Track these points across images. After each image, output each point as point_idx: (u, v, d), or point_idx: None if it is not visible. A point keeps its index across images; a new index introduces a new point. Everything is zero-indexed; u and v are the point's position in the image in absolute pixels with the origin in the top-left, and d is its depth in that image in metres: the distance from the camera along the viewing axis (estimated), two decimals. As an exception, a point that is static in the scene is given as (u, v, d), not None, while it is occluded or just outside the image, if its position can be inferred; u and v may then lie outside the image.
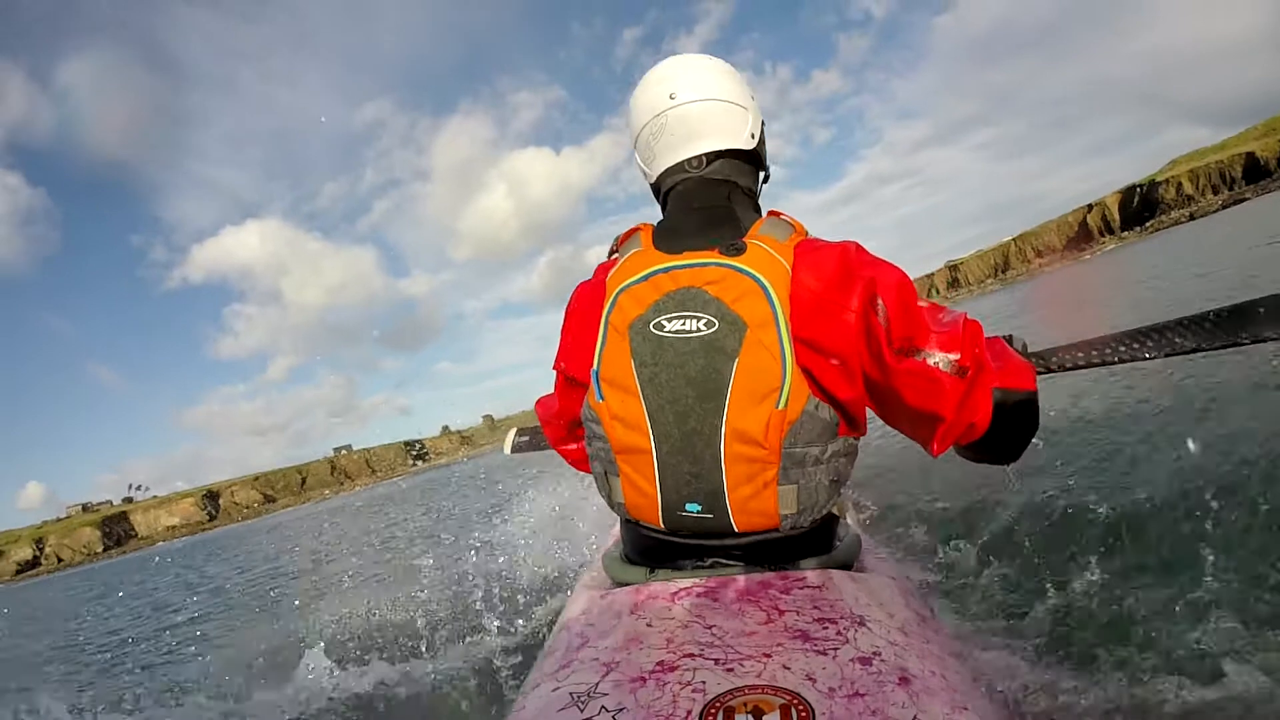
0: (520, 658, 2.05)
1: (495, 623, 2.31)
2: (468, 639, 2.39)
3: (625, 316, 0.92)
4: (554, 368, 1.11)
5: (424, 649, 2.37)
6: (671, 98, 1.00)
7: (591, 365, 0.96)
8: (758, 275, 0.85)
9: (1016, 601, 1.19)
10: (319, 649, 2.39)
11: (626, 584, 0.98)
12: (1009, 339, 1.04)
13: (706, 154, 1.01)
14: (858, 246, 0.89)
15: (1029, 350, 1.11)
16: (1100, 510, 1.51)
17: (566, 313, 1.05)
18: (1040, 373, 1.05)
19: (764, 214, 0.98)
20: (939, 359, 0.82)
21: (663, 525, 0.93)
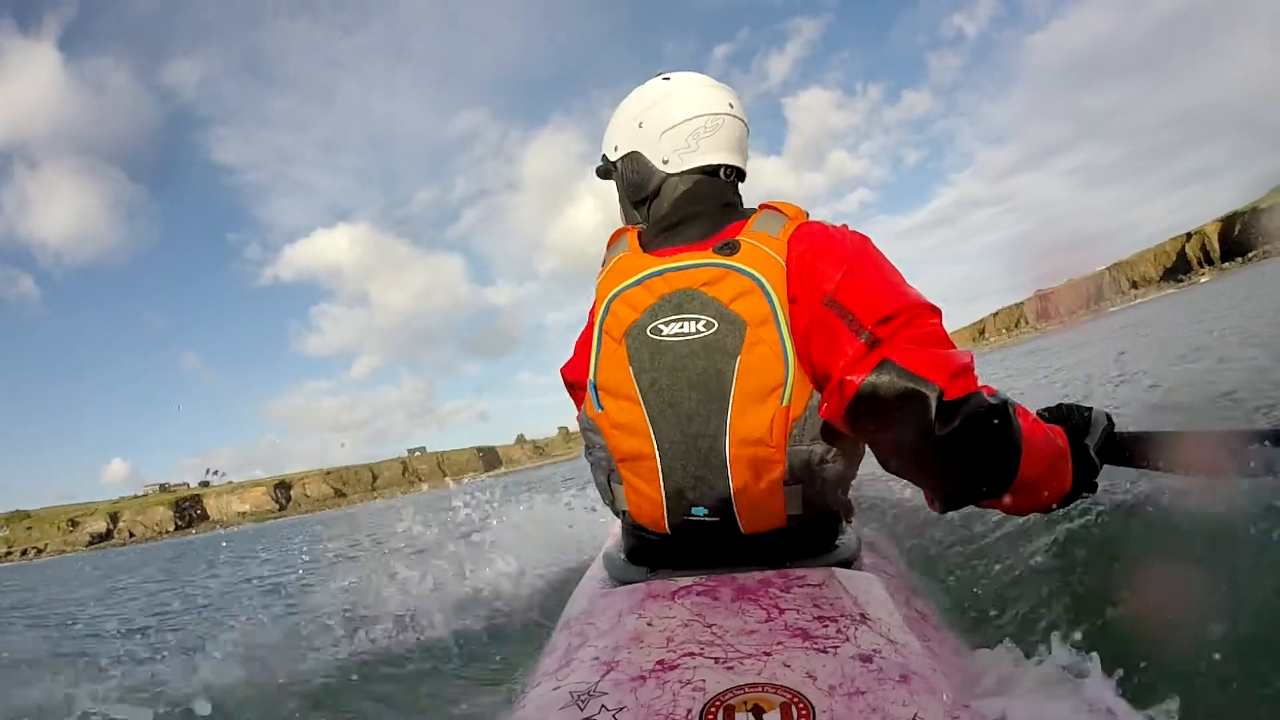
0: (521, 656, 2.05)
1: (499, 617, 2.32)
2: (468, 640, 2.39)
3: (620, 323, 0.92)
4: (565, 376, 1.10)
5: (422, 646, 2.37)
6: (731, 106, 1.04)
7: (588, 374, 0.95)
8: (754, 273, 0.85)
9: (1018, 600, 1.19)
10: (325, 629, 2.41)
11: (627, 583, 0.98)
12: (1083, 415, 0.86)
13: (736, 167, 1.05)
14: (844, 229, 0.90)
15: (1114, 431, 0.87)
16: (1106, 506, 1.51)
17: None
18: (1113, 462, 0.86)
19: (757, 208, 0.98)
20: (849, 315, 0.79)
21: (668, 530, 0.93)
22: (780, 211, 0.93)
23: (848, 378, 0.76)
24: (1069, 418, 0.87)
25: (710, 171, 1.03)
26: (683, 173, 1.03)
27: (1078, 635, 0.70)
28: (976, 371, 0.76)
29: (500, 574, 2.54)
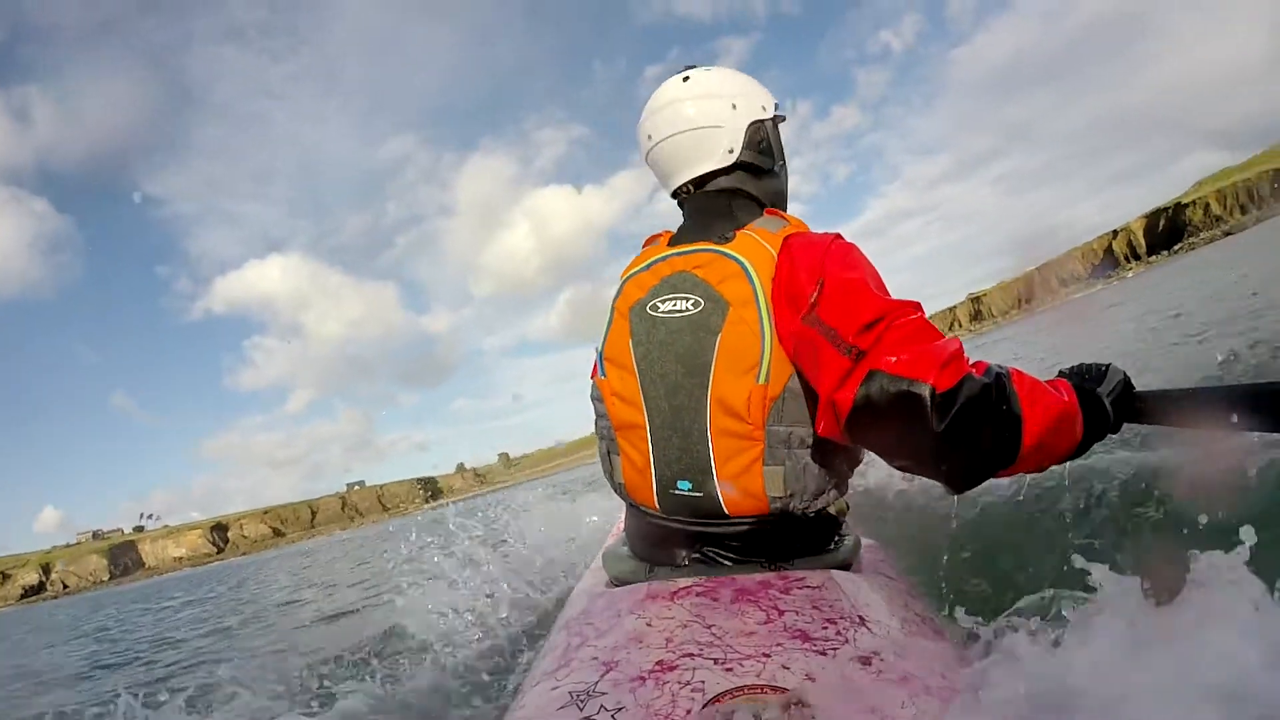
0: (521, 655, 2.05)
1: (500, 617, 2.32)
2: (468, 638, 2.39)
3: (628, 300, 1.01)
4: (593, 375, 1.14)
5: (421, 647, 2.37)
6: (649, 138, 1.09)
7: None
8: (741, 258, 0.92)
9: (1019, 601, 1.19)
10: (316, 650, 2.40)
11: (626, 583, 0.98)
12: (1098, 369, 0.87)
13: (692, 180, 1.07)
14: (837, 235, 0.93)
15: (1131, 390, 0.87)
16: (1112, 505, 1.50)
17: None
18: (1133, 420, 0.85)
19: (763, 212, 1.04)
20: (830, 331, 0.79)
21: (656, 505, 0.97)
22: (783, 218, 1.00)
23: (838, 397, 0.76)
24: (1082, 373, 0.88)
25: (690, 186, 1.09)
26: (674, 193, 1.12)
27: (1080, 633, 0.69)
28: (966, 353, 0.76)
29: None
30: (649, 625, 0.77)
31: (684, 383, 0.92)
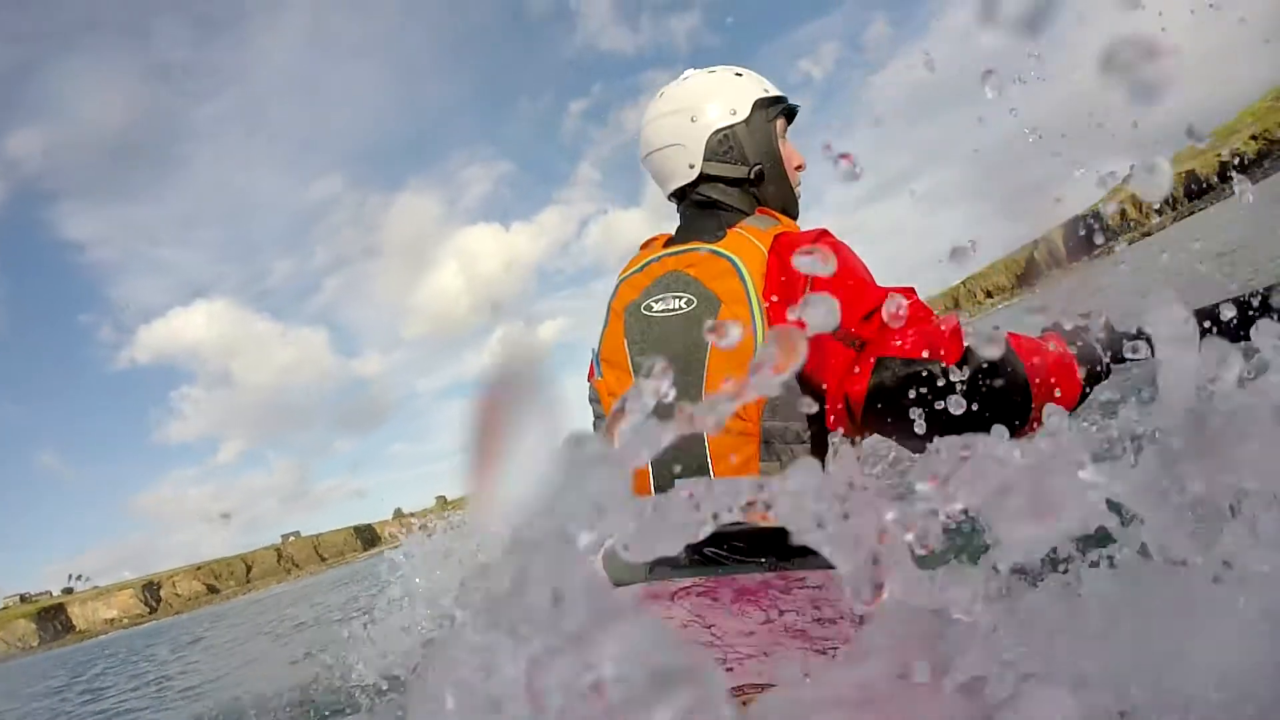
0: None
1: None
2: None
3: (622, 301, 1.02)
4: (589, 378, 1.16)
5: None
6: (640, 154, 1.14)
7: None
8: (732, 256, 0.93)
9: (1020, 600, 1.16)
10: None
11: (625, 583, 0.99)
12: (1084, 319, 0.85)
13: (673, 192, 1.11)
14: (823, 231, 0.94)
15: (1115, 334, 0.87)
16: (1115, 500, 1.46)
17: None
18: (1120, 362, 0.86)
19: (755, 211, 1.06)
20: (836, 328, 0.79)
21: None
22: (774, 217, 1.01)
23: (850, 390, 0.77)
24: (1064, 325, 0.90)
25: (677, 197, 1.12)
26: (669, 198, 1.14)
27: (1083, 632, 0.68)
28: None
29: None
30: (650, 625, 0.77)
31: (679, 381, 0.92)
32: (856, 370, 0.77)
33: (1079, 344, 0.84)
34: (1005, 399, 0.73)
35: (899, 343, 0.74)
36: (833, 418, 0.83)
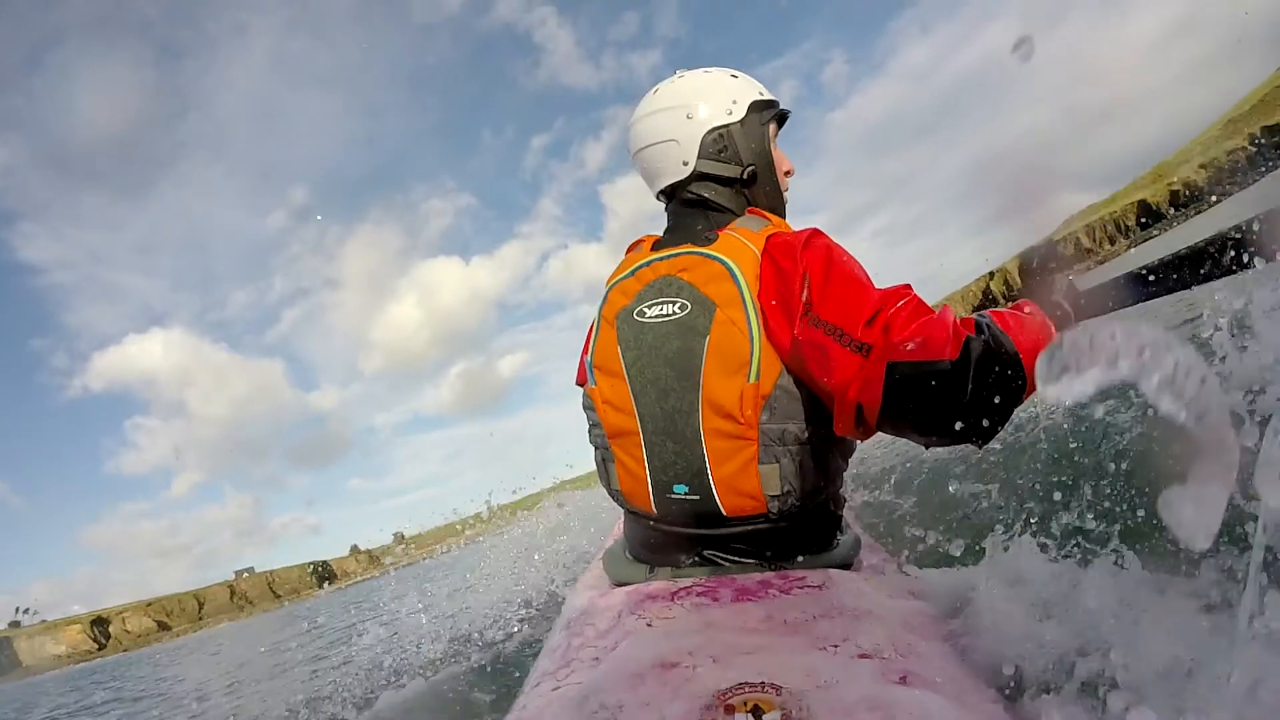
0: (521, 656, 2.05)
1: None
2: (467, 637, 2.39)
3: (614, 307, 1.01)
4: (576, 383, 1.15)
5: (421, 648, 2.37)
6: (630, 150, 1.13)
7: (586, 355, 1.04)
8: (725, 259, 0.92)
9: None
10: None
11: (627, 584, 0.98)
12: (1048, 282, 1.02)
13: (663, 190, 1.10)
14: (814, 231, 0.94)
15: (1074, 290, 1.03)
16: (1117, 499, 1.49)
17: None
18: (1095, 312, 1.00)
19: (745, 212, 1.06)
20: (837, 331, 0.81)
21: (654, 510, 0.97)
22: (764, 217, 1.01)
23: (863, 398, 0.78)
24: (1033, 291, 1.00)
25: (666, 195, 1.11)
26: (657, 195, 1.14)
27: (1083, 632, 0.69)
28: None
29: None
30: (649, 625, 0.77)
31: (675, 386, 0.92)
32: (867, 377, 0.78)
33: (1051, 305, 0.94)
34: (1003, 379, 0.76)
35: (908, 345, 0.76)
36: (840, 424, 0.83)
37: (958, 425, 0.75)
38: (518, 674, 1.88)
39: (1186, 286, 1.05)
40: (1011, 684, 0.64)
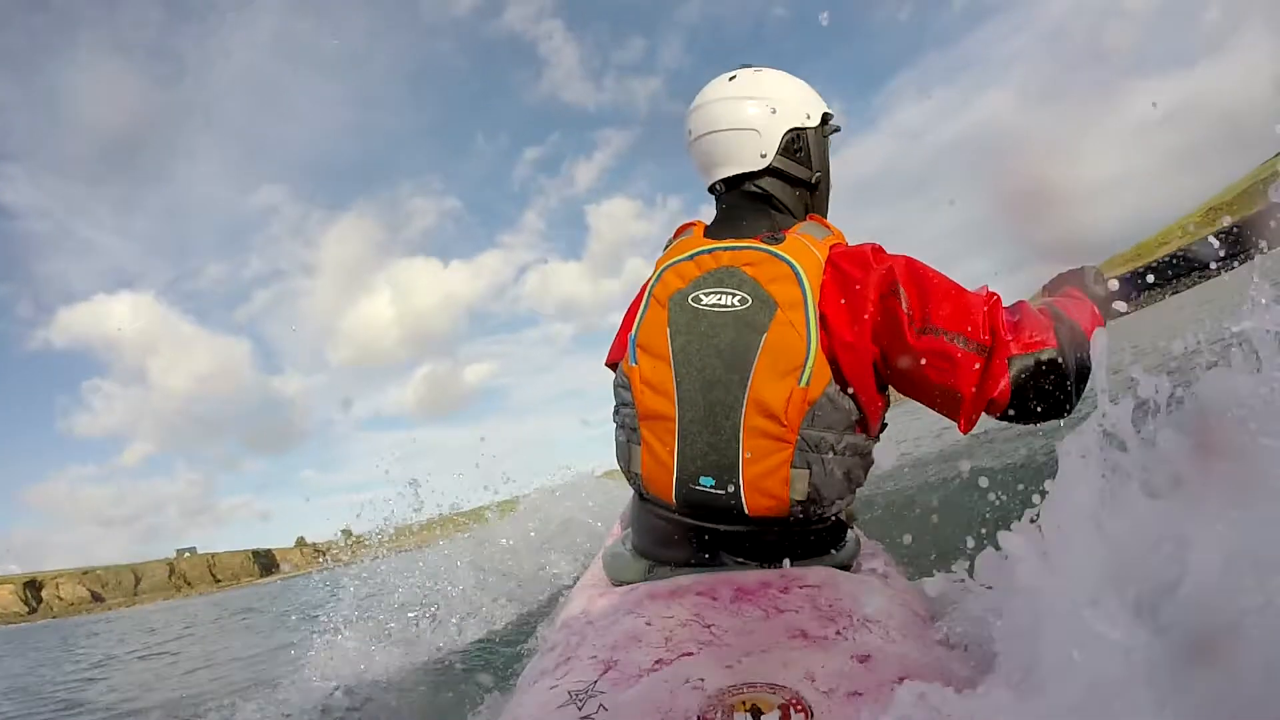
0: (518, 655, 2.05)
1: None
2: (467, 636, 2.38)
3: (667, 289, 0.99)
4: (606, 363, 1.15)
5: (420, 644, 2.37)
6: (690, 133, 1.10)
7: (629, 332, 1.02)
8: (793, 261, 0.92)
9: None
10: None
11: (626, 582, 0.98)
12: (1079, 271, 1.08)
13: (724, 179, 1.09)
14: (876, 246, 0.94)
15: (1103, 278, 1.09)
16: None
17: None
18: (1126, 298, 1.05)
19: (807, 218, 1.06)
20: (956, 337, 0.85)
21: (674, 500, 0.95)
22: (827, 226, 1.01)
23: (995, 395, 0.84)
24: (1068, 279, 1.08)
25: (726, 184, 1.09)
26: (711, 185, 1.12)
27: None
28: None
29: None
30: (648, 624, 0.77)
31: (723, 378, 0.91)
32: (993, 375, 0.83)
33: (1093, 290, 1.03)
34: (1086, 356, 0.86)
35: (1023, 339, 0.84)
36: (963, 422, 0.87)
37: (1064, 403, 0.85)
38: (515, 673, 1.88)
39: (1191, 273, 1.14)
40: (1011, 684, 0.64)
